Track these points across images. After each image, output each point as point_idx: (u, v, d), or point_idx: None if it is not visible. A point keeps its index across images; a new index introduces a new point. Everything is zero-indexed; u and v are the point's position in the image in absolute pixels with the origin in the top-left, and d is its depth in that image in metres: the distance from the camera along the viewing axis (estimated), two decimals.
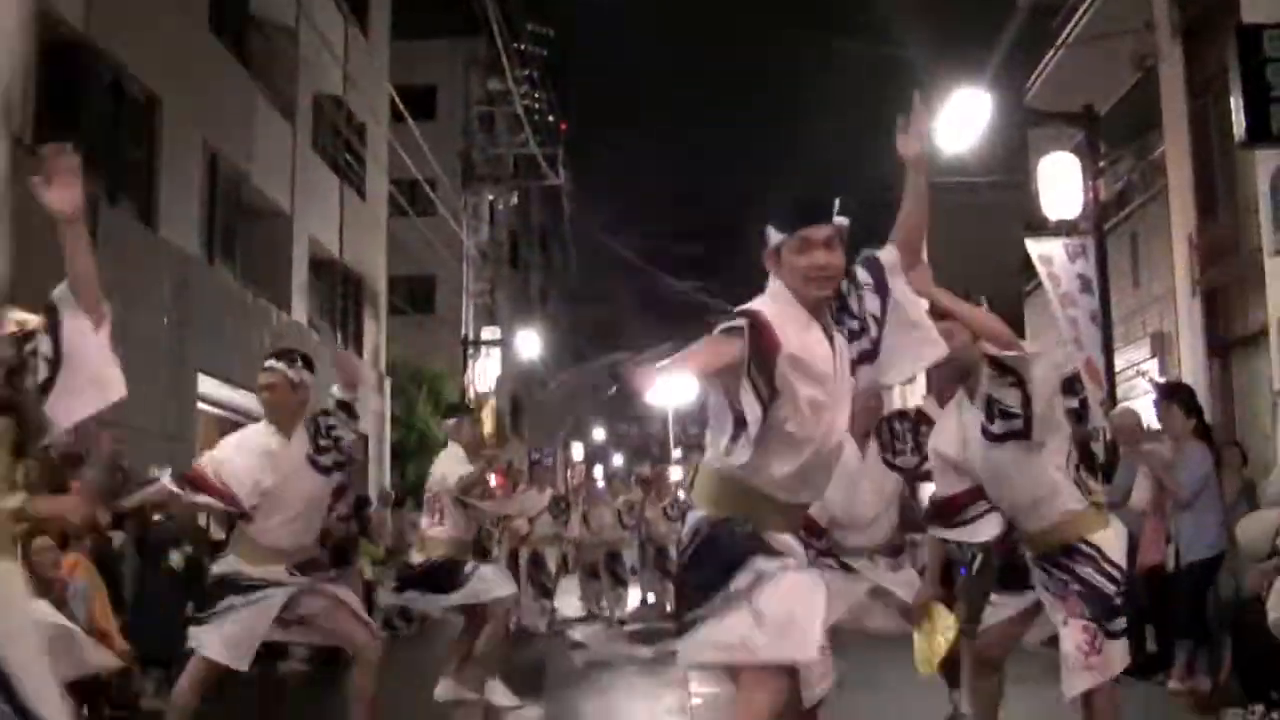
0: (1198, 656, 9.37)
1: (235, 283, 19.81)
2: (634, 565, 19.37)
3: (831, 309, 4.30)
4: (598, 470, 25.01)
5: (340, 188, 25.44)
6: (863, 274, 4.39)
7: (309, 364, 6.64)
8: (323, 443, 6.56)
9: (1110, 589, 5.21)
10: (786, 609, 3.96)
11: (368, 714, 6.64)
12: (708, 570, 4.09)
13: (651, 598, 19.03)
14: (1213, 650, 9.47)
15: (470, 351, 33.81)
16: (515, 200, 43.92)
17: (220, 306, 18.28)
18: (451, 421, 9.97)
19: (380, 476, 24.31)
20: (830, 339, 4.22)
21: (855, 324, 4.29)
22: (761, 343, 4.01)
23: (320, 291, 24.91)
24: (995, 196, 24.52)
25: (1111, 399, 14.74)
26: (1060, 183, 16.68)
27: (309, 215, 23.19)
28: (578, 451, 52.37)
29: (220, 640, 6.26)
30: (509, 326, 38.83)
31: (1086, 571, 5.22)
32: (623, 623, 17.27)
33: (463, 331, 33.78)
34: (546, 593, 16.27)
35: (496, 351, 36.37)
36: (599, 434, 69.72)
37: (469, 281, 34.97)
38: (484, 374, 34.87)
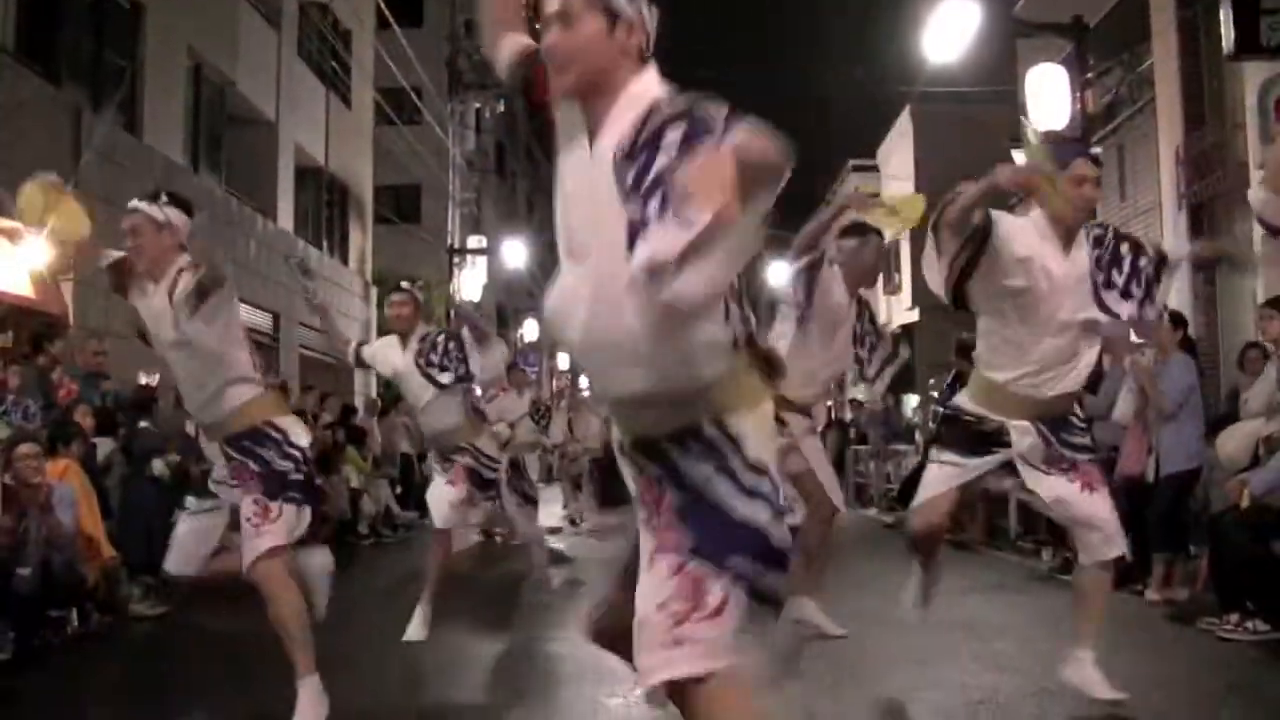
0: (1175, 567, 9.47)
1: (220, 190, 19.74)
2: None
3: None
4: (583, 380, 25.03)
5: (326, 95, 25.30)
6: None
7: (180, 203, 5.62)
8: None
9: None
10: None
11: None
12: None
13: None
14: (1189, 561, 9.58)
15: (456, 260, 33.71)
16: (502, 108, 43.61)
17: (206, 214, 18.19)
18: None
19: (366, 386, 24.33)
20: None
21: None
22: None
23: (306, 200, 24.82)
24: (982, 108, 24.47)
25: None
26: (1048, 95, 16.64)
27: (294, 123, 23.06)
28: (563, 360, 52.30)
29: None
30: (495, 235, 38.68)
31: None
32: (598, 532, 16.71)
33: (449, 240, 33.66)
34: (529, 500, 15.68)
35: (483, 260, 36.28)
36: None
37: (455, 190, 34.80)
38: (470, 283, 34.80)
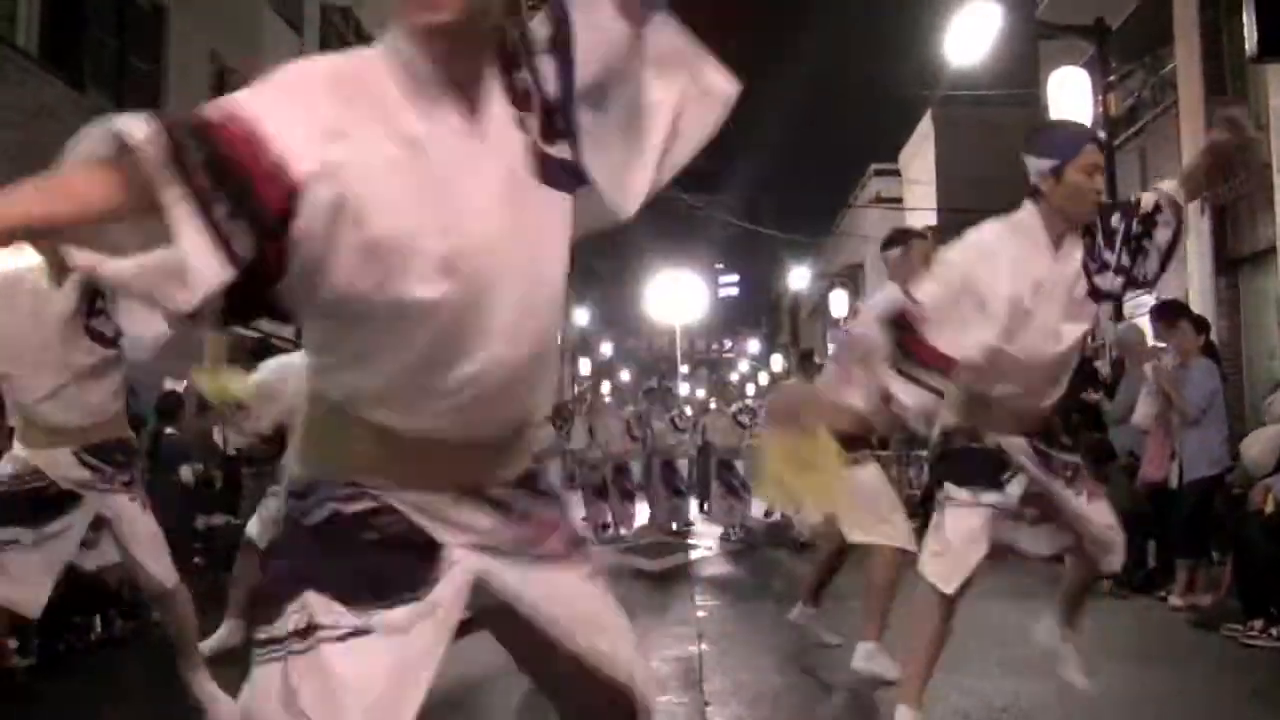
0: (1198, 573, 9.44)
1: None
2: (639, 481, 19.13)
3: None
4: (605, 386, 25.09)
5: None
6: None
7: None
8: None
9: None
10: None
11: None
12: None
13: (658, 515, 18.53)
14: (1213, 567, 9.54)
15: None
16: None
17: None
18: None
19: None
20: None
21: None
22: None
23: None
24: (1004, 111, 24.41)
25: (1118, 314, 14.75)
26: (1070, 97, 16.61)
27: None
28: (585, 366, 52.37)
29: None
30: None
31: None
32: (623, 539, 16.72)
33: None
34: None
35: None
36: (606, 349, 69.78)
37: None
38: None
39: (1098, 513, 4.90)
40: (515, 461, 2.46)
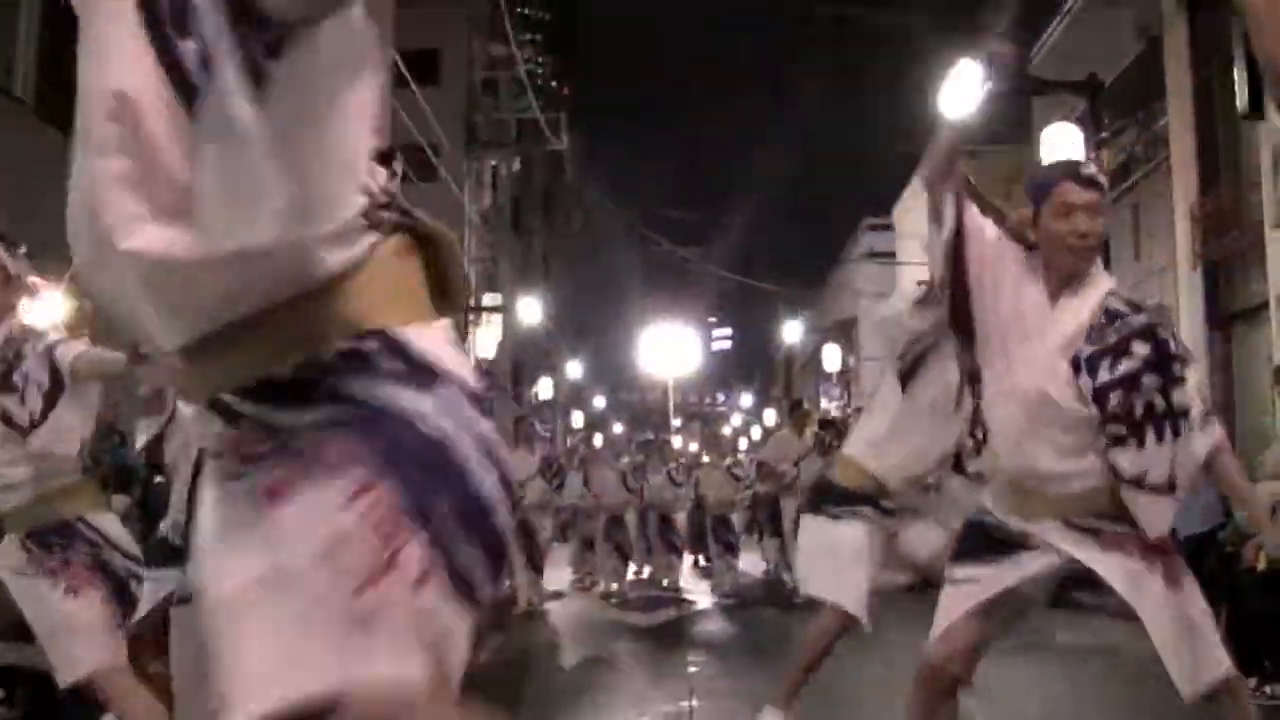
0: None
1: None
2: (636, 534, 18.52)
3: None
4: (597, 439, 25.04)
5: None
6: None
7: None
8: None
9: None
10: None
11: None
12: None
13: (647, 570, 18.24)
14: None
15: (472, 318, 33.77)
16: (518, 166, 43.84)
17: None
18: None
19: None
20: None
21: None
22: None
23: None
24: (998, 165, 24.51)
25: None
26: (1063, 152, 16.67)
27: None
28: (578, 419, 52.34)
29: None
30: (511, 293, 38.79)
31: None
32: (612, 596, 16.08)
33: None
34: (536, 567, 14.33)
35: (499, 318, 36.34)
36: (599, 402, 69.76)
37: (471, 247, 34.91)
38: (486, 340, 34.88)
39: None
40: None
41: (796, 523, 12.72)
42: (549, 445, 26.41)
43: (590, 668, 9.80)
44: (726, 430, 52.36)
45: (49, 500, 4.88)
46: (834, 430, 15.41)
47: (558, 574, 16.98)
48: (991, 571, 4.11)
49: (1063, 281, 4.07)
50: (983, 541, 4.19)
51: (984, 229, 4.24)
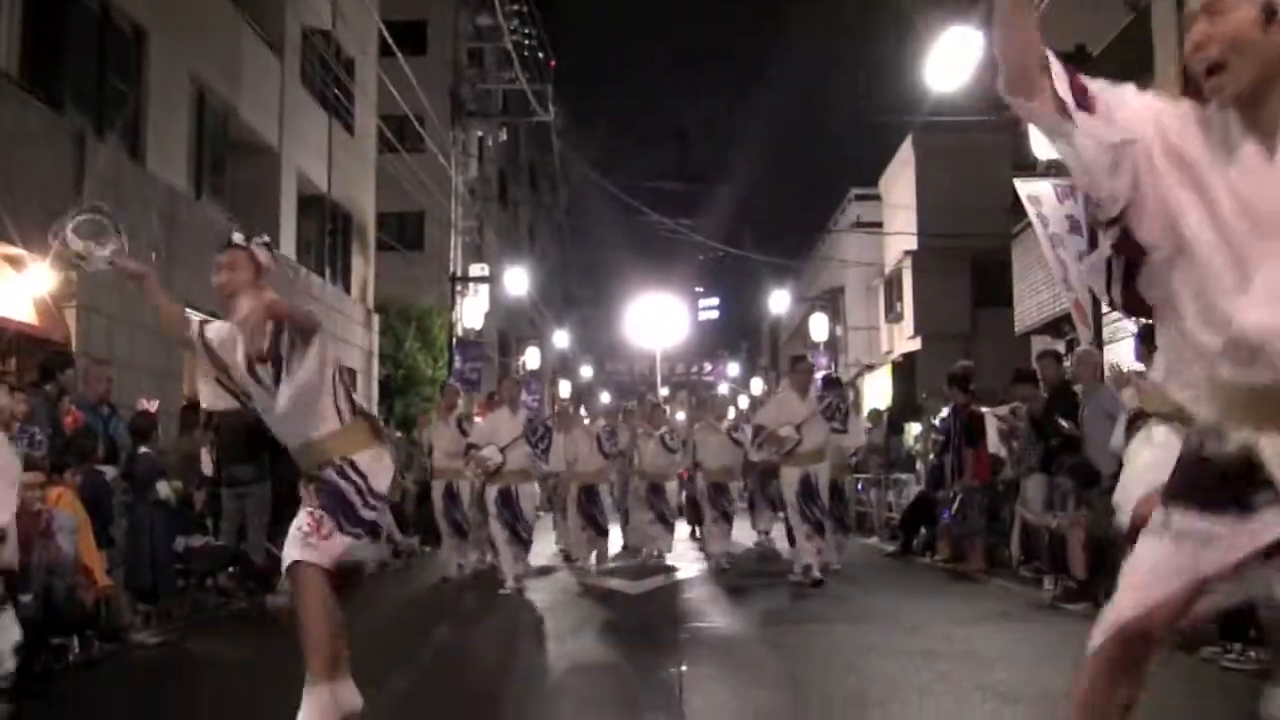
0: None
1: (223, 217, 19.75)
2: (616, 501, 18.54)
3: None
4: (583, 410, 24.78)
5: (329, 123, 25.33)
6: None
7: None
8: None
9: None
10: None
11: None
12: None
13: (623, 543, 17.88)
14: None
15: (458, 288, 33.75)
16: (504, 137, 43.77)
17: (208, 241, 18.15)
18: None
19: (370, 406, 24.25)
20: None
21: None
22: None
23: (308, 226, 24.84)
24: (985, 137, 24.49)
25: (1098, 340, 14.78)
26: None
27: (297, 150, 23.10)
28: (565, 389, 52.35)
29: None
30: (497, 263, 38.77)
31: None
32: (591, 571, 15.28)
33: (451, 268, 33.68)
34: (521, 539, 13.40)
35: (485, 288, 36.32)
36: (586, 372, 69.68)
37: (458, 218, 34.87)
38: (473, 310, 34.86)
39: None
40: None
41: (799, 494, 12.65)
42: (533, 409, 26.41)
43: (577, 638, 9.80)
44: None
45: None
46: (839, 391, 15.18)
47: (546, 548, 17.06)
48: (1224, 530, 2.87)
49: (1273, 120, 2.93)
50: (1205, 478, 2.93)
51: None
